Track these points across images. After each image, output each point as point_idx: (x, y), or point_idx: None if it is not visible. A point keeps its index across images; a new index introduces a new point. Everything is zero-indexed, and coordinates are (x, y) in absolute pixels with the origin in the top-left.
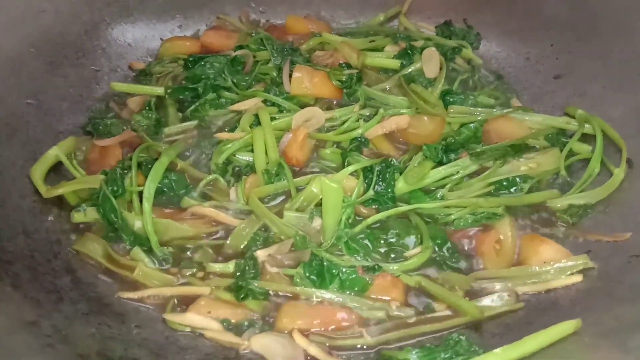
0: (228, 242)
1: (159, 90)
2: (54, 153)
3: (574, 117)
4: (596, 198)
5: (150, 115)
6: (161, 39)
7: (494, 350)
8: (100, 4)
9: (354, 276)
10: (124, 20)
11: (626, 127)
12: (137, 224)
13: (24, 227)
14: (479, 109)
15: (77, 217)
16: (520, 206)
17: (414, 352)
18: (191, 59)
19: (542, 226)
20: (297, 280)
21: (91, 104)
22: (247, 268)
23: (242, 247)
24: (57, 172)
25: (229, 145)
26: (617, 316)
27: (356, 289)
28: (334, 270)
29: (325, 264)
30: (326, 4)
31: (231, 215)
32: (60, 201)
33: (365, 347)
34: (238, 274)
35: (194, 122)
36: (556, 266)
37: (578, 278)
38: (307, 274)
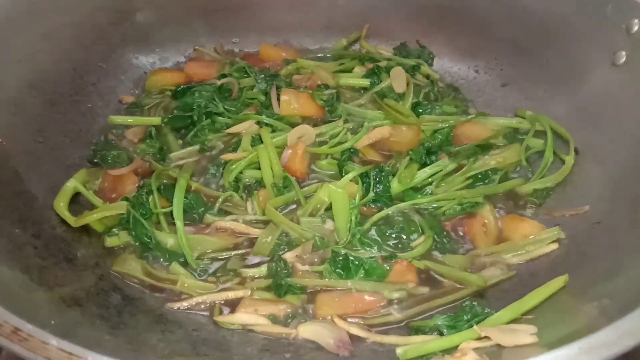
0: (254, 249)
1: (156, 120)
2: (72, 185)
3: (524, 118)
4: (554, 182)
5: (154, 143)
6: (145, 72)
7: (507, 307)
8: (87, 42)
9: (375, 265)
10: (108, 56)
11: (569, 122)
12: (170, 242)
13: (64, 254)
14: (448, 116)
15: (111, 241)
16: (495, 194)
17: (441, 318)
18: (179, 89)
19: (515, 208)
20: (326, 275)
21: (91, 137)
22: (279, 269)
23: (268, 252)
24: (74, 202)
25: (234, 166)
26: (592, 270)
27: (378, 275)
28: (357, 262)
29: (350, 258)
30: (293, 32)
31: (251, 226)
32: (86, 229)
33: (394, 322)
34: (274, 274)
35: (196, 147)
36: (535, 238)
37: (554, 246)
38: (334, 269)
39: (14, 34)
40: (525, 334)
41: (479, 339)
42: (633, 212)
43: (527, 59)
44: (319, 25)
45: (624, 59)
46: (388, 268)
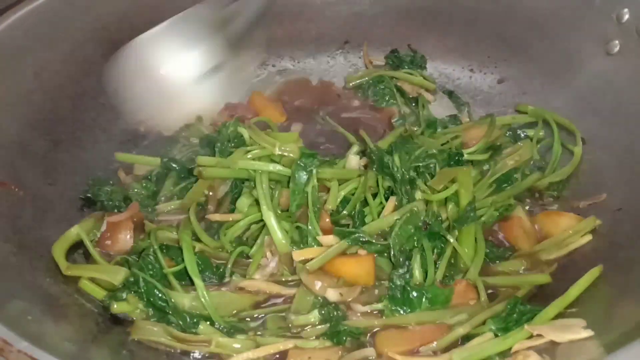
0: (293, 308)
1: (154, 161)
2: (75, 232)
3: (525, 113)
4: (567, 173)
5: (150, 186)
6: None
7: (551, 304)
8: (79, 76)
9: (437, 291)
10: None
11: (570, 113)
12: (186, 303)
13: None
14: (459, 126)
15: (120, 307)
16: (521, 192)
17: (492, 323)
18: None
19: (537, 204)
20: (388, 313)
21: (102, 175)
22: (332, 315)
23: (309, 310)
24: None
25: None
26: (626, 258)
27: (442, 302)
28: (417, 293)
29: (408, 289)
30: (283, 46)
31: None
32: None
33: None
34: (328, 319)
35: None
36: (574, 230)
37: (589, 237)
38: (395, 306)
39: (4, 76)
40: (578, 328)
41: (531, 337)
42: None
43: (520, 54)
44: (309, 37)
45: (617, 48)
46: (450, 291)
